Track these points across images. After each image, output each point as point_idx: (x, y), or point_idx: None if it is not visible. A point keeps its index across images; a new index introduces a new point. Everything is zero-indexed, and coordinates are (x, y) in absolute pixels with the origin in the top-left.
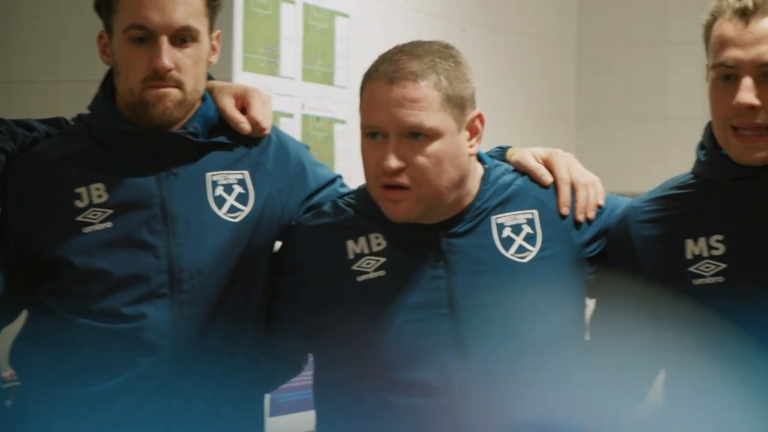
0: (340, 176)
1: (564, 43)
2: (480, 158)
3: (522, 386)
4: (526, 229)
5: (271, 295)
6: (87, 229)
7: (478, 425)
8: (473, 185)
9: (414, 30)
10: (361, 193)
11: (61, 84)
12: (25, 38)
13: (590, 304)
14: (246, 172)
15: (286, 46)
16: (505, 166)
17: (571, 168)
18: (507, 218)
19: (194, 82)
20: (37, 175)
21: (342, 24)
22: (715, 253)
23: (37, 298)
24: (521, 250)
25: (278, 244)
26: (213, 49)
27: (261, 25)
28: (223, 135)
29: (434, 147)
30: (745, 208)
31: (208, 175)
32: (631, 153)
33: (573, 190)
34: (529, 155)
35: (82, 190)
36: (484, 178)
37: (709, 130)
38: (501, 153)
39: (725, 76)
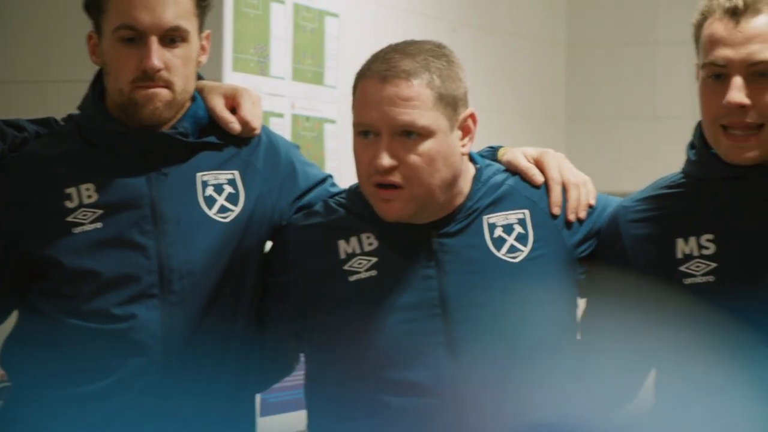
0: (330, 176)
1: (553, 42)
2: (471, 158)
3: (514, 386)
4: (518, 229)
5: (261, 295)
6: (77, 230)
7: (470, 425)
8: (465, 185)
9: (404, 30)
10: (353, 192)
11: (51, 84)
12: (15, 38)
13: (581, 303)
14: (236, 172)
15: (275, 45)
16: (497, 165)
17: (562, 168)
18: (498, 218)
19: (184, 83)
20: (27, 176)
21: (332, 24)
22: (705, 252)
23: (27, 299)
24: (513, 250)
25: (269, 244)
26: (203, 48)
27: (251, 25)
28: (213, 135)
29: (426, 146)
30: (735, 207)
31: (198, 175)
32: (620, 152)
33: (564, 190)
34: (520, 155)
35: (72, 190)
36: (476, 178)
37: (699, 129)
38: (492, 153)
39: (715, 76)
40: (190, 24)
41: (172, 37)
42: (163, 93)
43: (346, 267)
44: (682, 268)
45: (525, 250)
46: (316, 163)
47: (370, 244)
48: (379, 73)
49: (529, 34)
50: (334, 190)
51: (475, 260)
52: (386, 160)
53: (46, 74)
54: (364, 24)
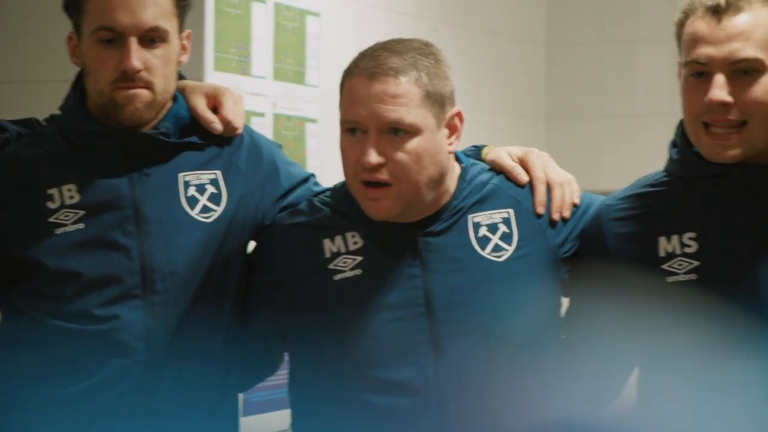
0: (313, 175)
1: (534, 41)
2: (457, 157)
3: (499, 384)
4: (502, 228)
5: (245, 295)
6: (59, 231)
7: (455, 424)
8: (451, 184)
9: (385, 29)
10: (337, 191)
11: (32, 84)
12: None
13: (564, 302)
14: (218, 172)
15: (257, 45)
16: (482, 165)
17: (546, 167)
18: (483, 217)
19: (164, 83)
20: (9, 176)
21: (313, 23)
22: (687, 250)
23: (9, 299)
24: (497, 249)
25: (252, 245)
26: (183, 48)
27: (232, 25)
28: (195, 135)
29: (414, 143)
30: (717, 205)
31: (180, 175)
32: (600, 150)
33: (548, 189)
34: (504, 154)
35: (54, 191)
36: (461, 177)
37: (681, 128)
38: (476, 152)
39: (697, 74)
40: (169, 24)
41: (152, 38)
42: (144, 94)
43: (331, 266)
44: (665, 267)
45: (509, 249)
46: (297, 162)
47: (355, 243)
48: (366, 70)
49: (510, 33)
50: (317, 189)
51: (460, 259)
52: (374, 157)
53: (28, 74)
54: (346, 23)
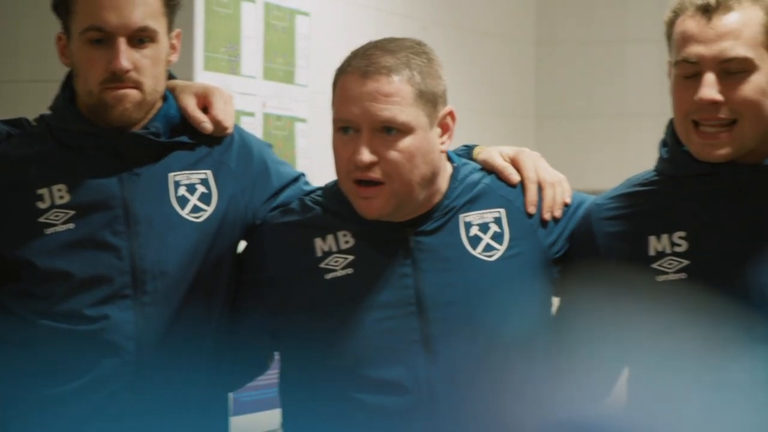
0: (303, 174)
1: (523, 40)
2: (448, 157)
3: (490, 384)
4: (494, 228)
5: (236, 294)
6: (49, 231)
7: (446, 423)
8: (443, 183)
9: (375, 28)
10: (329, 190)
11: (21, 84)
12: None
13: (555, 301)
14: (209, 172)
15: (246, 44)
16: (473, 164)
17: (538, 167)
18: (474, 217)
19: (153, 83)
20: None
21: (302, 22)
22: (677, 249)
23: None
24: (488, 248)
25: (242, 244)
26: (173, 48)
27: (222, 24)
28: (185, 134)
29: (406, 142)
30: (707, 204)
31: (171, 175)
32: (590, 149)
33: (540, 189)
34: (496, 154)
35: (44, 191)
36: (453, 177)
37: (670, 127)
38: (467, 151)
39: (688, 72)
40: (158, 24)
41: (141, 38)
42: (133, 94)
43: (322, 265)
44: (655, 266)
45: (501, 249)
46: (287, 162)
47: (347, 242)
48: (359, 68)
49: (499, 33)
50: (307, 188)
51: (451, 259)
52: (366, 156)
53: (17, 74)
54: (335, 23)
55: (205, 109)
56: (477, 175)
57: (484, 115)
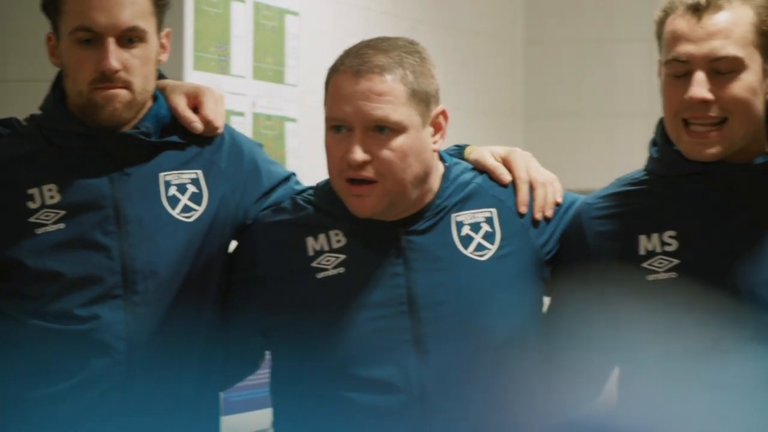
0: (294, 174)
1: (512, 40)
2: (440, 156)
3: (481, 383)
4: (485, 228)
5: (227, 293)
6: (39, 231)
7: (437, 422)
8: (435, 182)
9: (364, 28)
10: (321, 189)
11: (11, 84)
12: None
13: (546, 301)
14: (199, 172)
15: (236, 44)
16: (465, 164)
17: (529, 167)
18: (466, 216)
19: (143, 82)
20: None
21: (292, 22)
22: (668, 248)
23: None
24: (480, 248)
25: (233, 244)
26: (163, 47)
27: (211, 24)
28: (176, 134)
29: (399, 141)
30: (697, 204)
31: (161, 175)
32: (579, 149)
33: (531, 188)
34: (487, 154)
35: (34, 191)
36: (445, 176)
37: (660, 126)
38: (459, 151)
39: (678, 71)
40: (147, 24)
41: (130, 38)
42: (123, 94)
43: (314, 264)
44: (645, 265)
45: (492, 249)
46: (277, 161)
47: (338, 242)
48: (352, 67)
49: (488, 32)
50: (298, 188)
51: (442, 258)
52: (359, 155)
53: (6, 74)
54: (325, 22)
55: (196, 108)
56: (468, 175)
57: (472, 114)
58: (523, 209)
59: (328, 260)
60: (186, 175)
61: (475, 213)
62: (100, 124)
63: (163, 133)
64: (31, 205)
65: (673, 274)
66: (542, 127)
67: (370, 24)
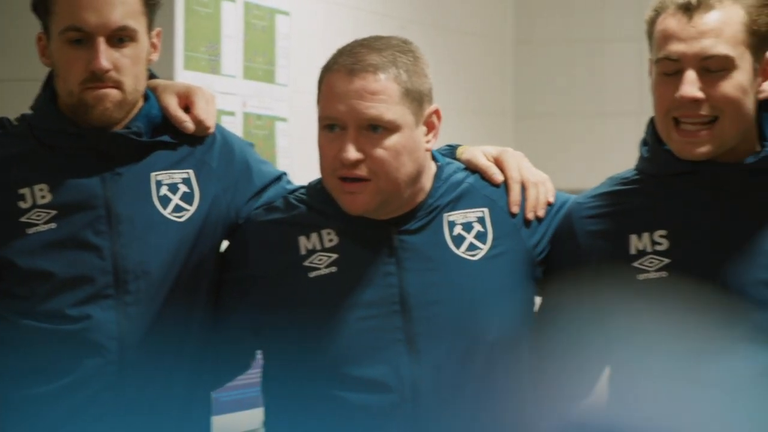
0: (285, 173)
1: (501, 40)
2: (432, 156)
3: (473, 383)
4: (477, 227)
5: (218, 292)
6: (31, 230)
7: (428, 422)
8: (427, 182)
9: (353, 28)
10: (313, 188)
11: (1, 83)
12: None
13: (537, 300)
14: (191, 171)
15: (227, 44)
16: (457, 164)
17: (521, 167)
18: (458, 216)
19: (134, 82)
20: None
21: (282, 22)
22: (658, 248)
23: None
24: (472, 248)
25: (225, 244)
26: (153, 47)
27: (202, 24)
28: (167, 134)
29: (393, 140)
30: (688, 203)
31: (153, 174)
32: (568, 149)
33: (523, 188)
34: (479, 154)
35: (25, 191)
36: (437, 176)
37: (651, 125)
38: (451, 151)
39: (669, 70)
40: (138, 23)
41: (120, 37)
42: (113, 93)
43: (306, 263)
44: (636, 264)
45: (484, 248)
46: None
47: (331, 241)
48: (346, 66)
49: (478, 32)
50: (290, 187)
51: (434, 258)
52: (353, 154)
53: None
54: (315, 22)
55: (187, 108)
56: (461, 175)
57: (462, 114)
58: (515, 209)
59: (320, 259)
60: (177, 175)
61: (467, 213)
62: (91, 123)
63: (155, 133)
64: (23, 205)
65: (663, 274)
66: (532, 126)
67: (359, 24)
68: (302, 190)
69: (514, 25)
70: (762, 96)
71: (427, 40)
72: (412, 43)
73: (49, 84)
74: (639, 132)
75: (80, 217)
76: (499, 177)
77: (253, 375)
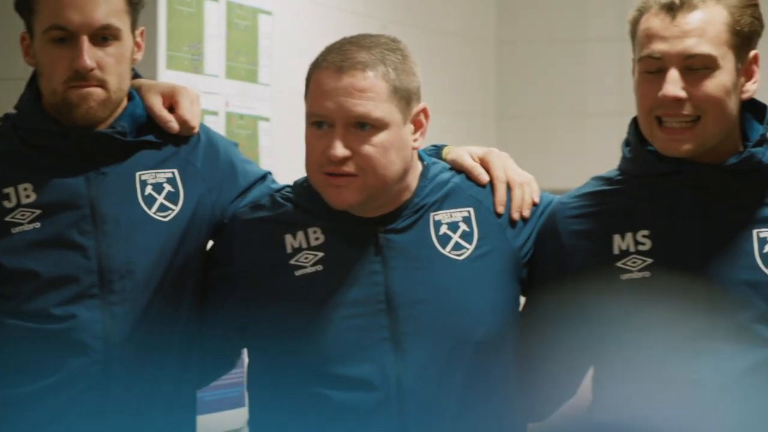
0: (269, 173)
1: (483, 40)
2: (418, 155)
3: (458, 382)
4: (463, 227)
5: (204, 290)
6: (15, 230)
7: (413, 421)
8: (413, 181)
9: (335, 27)
10: (299, 186)
11: None
12: None
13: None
14: (175, 171)
15: (209, 43)
16: (442, 164)
17: (507, 167)
18: (444, 216)
19: (118, 81)
20: None
21: (265, 21)
22: (641, 248)
23: None
24: (458, 247)
25: (211, 243)
26: (137, 46)
27: (184, 23)
28: (152, 134)
29: (380, 138)
30: (670, 203)
31: (137, 174)
32: (551, 149)
33: (509, 189)
34: (465, 154)
35: (9, 190)
36: (423, 175)
37: (633, 126)
38: (436, 151)
39: (651, 69)
40: (121, 22)
41: (104, 36)
42: (97, 92)
43: (292, 261)
44: (619, 264)
45: (470, 248)
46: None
47: (317, 239)
48: (334, 63)
49: (459, 32)
50: (275, 186)
51: (421, 257)
52: (340, 151)
53: None
54: (297, 22)
55: (172, 108)
56: (446, 175)
57: (444, 114)
58: (501, 209)
59: (306, 258)
60: (162, 175)
61: (452, 212)
62: (76, 123)
63: (139, 133)
64: (7, 205)
65: (646, 274)
66: (514, 126)
67: (341, 24)
68: (288, 189)
69: (495, 26)
70: (745, 96)
71: (409, 40)
72: (401, 41)
73: (33, 83)
74: (621, 132)
75: (65, 217)
76: (484, 177)
77: (236, 374)
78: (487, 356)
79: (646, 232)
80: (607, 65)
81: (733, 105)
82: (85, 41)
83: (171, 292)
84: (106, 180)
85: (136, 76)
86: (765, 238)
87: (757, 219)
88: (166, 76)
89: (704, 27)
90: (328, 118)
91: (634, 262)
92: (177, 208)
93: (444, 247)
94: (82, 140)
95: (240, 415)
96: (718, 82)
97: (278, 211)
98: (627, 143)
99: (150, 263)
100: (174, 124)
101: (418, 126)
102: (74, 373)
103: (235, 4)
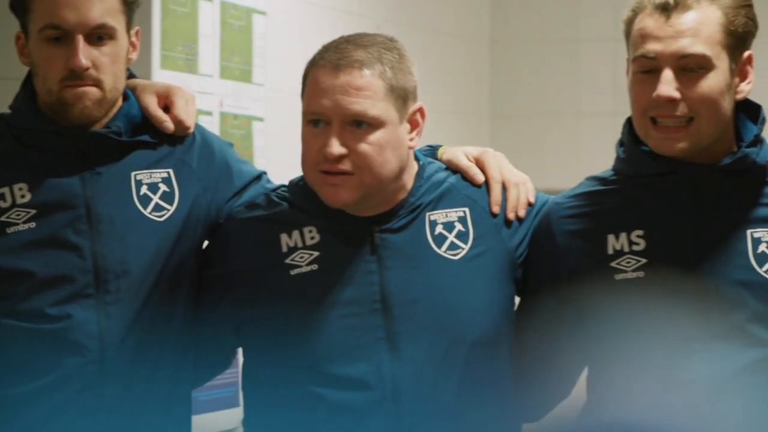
0: (264, 173)
1: (477, 40)
2: (414, 155)
3: (453, 381)
4: (458, 227)
5: (199, 290)
6: (10, 230)
7: (409, 420)
8: (409, 180)
9: (329, 27)
10: (295, 186)
11: None
12: None
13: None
14: (171, 171)
15: (203, 43)
16: (438, 164)
17: (502, 167)
18: (439, 215)
19: (113, 80)
20: None
21: (259, 21)
22: (635, 248)
23: None
24: (453, 247)
25: (206, 244)
26: (133, 46)
27: (179, 23)
28: (147, 133)
29: (377, 136)
30: (664, 203)
31: (133, 174)
32: (544, 149)
33: (504, 189)
34: (460, 154)
35: (4, 190)
36: (419, 175)
37: (627, 126)
38: (432, 151)
39: (646, 70)
40: (116, 21)
41: (99, 35)
42: (93, 91)
43: (287, 261)
44: (613, 264)
45: (465, 248)
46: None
47: (312, 238)
48: (331, 62)
49: (453, 32)
50: (270, 186)
51: (416, 256)
52: (337, 149)
53: None
54: (291, 22)
55: (167, 108)
56: (442, 174)
57: (438, 114)
58: (496, 209)
59: (301, 257)
60: (157, 175)
61: (448, 212)
62: (71, 122)
63: (134, 133)
64: (2, 204)
65: (640, 274)
66: (508, 126)
67: (335, 23)
68: (284, 188)
69: (489, 25)
70: (739, 97)
71: (403, 40)
72: (397, 41)
73: (28, 83)
74: (615, 132)
75: (60, 217)
76: (480, 177)
77: (231, 374)
78: (483, 356)
79: (640, 232)
80: (601, 65)
81: (727, 105)
82: (81, 40)
83: (166, 292)
84: (101, 180)
85: (131, 76)
86: (759, 238)
87: (751, 219)
88: (161, 75)
89: (698, 27)
90: (324, 116)
91: (628, 262)
92: (172, 208)
93: (439, 246)
94: (77, 140)
95: (234, 414)
96: (712, 83)
97: (274, 211)
98: (621, 143)
99: (145, 263)
100: (169, 124)
101: (414, 125)
102: (69, 373)
103: (229, 4)
